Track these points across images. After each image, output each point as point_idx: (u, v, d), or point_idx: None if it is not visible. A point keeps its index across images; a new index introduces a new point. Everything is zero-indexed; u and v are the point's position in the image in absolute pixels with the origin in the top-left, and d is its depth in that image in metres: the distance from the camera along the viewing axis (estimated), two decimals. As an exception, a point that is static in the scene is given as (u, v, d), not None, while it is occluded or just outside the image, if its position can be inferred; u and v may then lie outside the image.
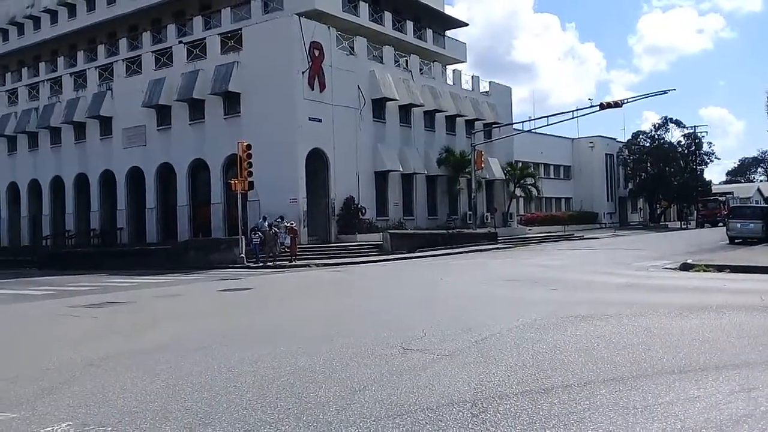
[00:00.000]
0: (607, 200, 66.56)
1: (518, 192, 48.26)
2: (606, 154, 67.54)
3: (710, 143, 76.35)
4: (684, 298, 11.43)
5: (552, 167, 63.91)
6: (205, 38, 35.25)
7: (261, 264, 26.42)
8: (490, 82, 48.10)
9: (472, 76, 46.52)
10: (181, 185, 35.21)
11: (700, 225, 60.95)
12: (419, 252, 30.19)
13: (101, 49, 42.64)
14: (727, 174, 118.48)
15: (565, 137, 65.45)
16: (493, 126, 44.61)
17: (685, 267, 17.67)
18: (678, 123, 67.65)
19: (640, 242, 34.99)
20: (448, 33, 49.62)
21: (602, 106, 35.43)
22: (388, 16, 41.75)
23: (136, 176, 37.23)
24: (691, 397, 5.12)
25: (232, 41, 33.50)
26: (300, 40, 31.37)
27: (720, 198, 67.63)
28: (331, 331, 9.18)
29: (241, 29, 33.77)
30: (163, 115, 35.77)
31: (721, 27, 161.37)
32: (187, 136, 34.80)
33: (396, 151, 37.14)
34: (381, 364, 6.70)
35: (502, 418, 4.74)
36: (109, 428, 4.86)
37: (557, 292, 13.24)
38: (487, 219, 42.80)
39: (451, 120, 42.50)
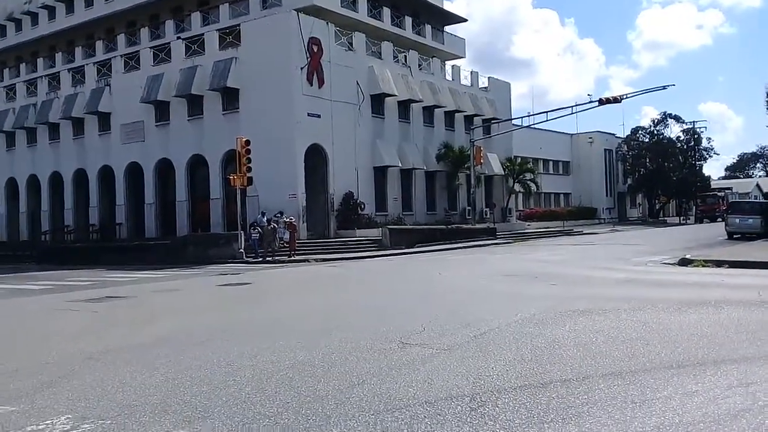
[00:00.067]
0: (606, 196, 66.60)
1: (517, 187, 48.28)
2: (605, 150, 67.55)
3: (709, 139, 76.39)
4: (682, 294, 11.45)
5: (551, 163, 63.91)
6: (203, 34, 35.17)
7: (260, 259, 26.42)
8: (489, 78, 48.08)
9: (471, 72, 46.53)
10: (180, 181, 35.18)
11: (698, 220, 60.98)
12: (418, 247, 30.20)
13: (99, 44, 42.53)
14: (726, 169, 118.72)
15: (564, 133, 65.49)
16: (492, 121, 44.62)
17: (684, 262, 17.68)
18: (677, 118, 67.72)
19: (639, 237, 35.01)
20: (447, 28, 49.52)
21: (601, 102, 35.43)
22: (386, 11, 41.67)
23: (134, 172, 37.19)
24: (690, 392, 5.14)
25: (230, 37, 33.42)
26: (298, 35, 31.30)
27: (719, 193, 67.62)
28: (330, 325, 9.20)
29: (239, 25, 33.68)
30: (162, 111, 35.71)
31: (721, 23, 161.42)
32: (186, 131, 34.76)
33: (395, 146, 37.11)
34: (380, 359, 6.72)
35: (501, 412, 4.75)
36: (109, 421, 4.86)
37: (556, 287, 13.26)
38: (486, 214, 42.80)
39: (450, 116, 42.47)
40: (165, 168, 35.97)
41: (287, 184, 30.64)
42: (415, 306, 11.20)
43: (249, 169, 26.70)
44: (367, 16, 40.17)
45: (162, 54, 36.03)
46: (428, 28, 45.72)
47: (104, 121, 38.26)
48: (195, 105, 34.42)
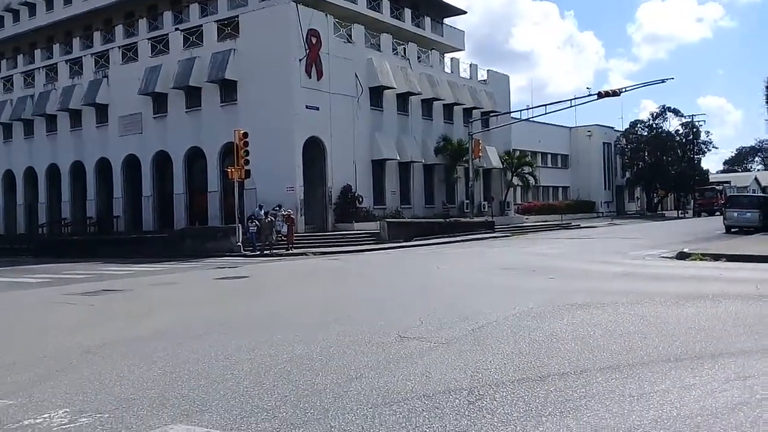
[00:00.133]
0: (605, 189, 66.62)
1: (516, 181, 48.26)
2: (604, 143, 67.55)
3: (708, 132, 76.20)
4: (680, 287, 11.46)
5: (549, 156, 63.91)
6: (201, 25, 35.02)
7: (258, 252, 26.42)
8: (488, 71, 47.98)
9: (470, 65, 46.43)
10: (178, 173, 35.12)
11: (697, 214, 61.05)
12: (416, 240, 30.21)
13: (97, 35, 42.34)
14: (725, 163, 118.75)
15: (562, 126, 65.45)
16: (491, 114, 44.57)
17: (682, 256, 17.70)
18: (676, 112, 67.64)
19: (637, 231, 35.05)
20: (447, 21, 49.41)
21: (600, 95, 35.37)
22: (386, 3, 41.55)
23: (132, 164, 37.12)
24: (687, 385, 5.14)
25: (228, 28, 33.28)
26: (297, 27, 31.18)
27: (717, 187, 67.64)
28: (328, 318, 9.19)
29: (237, 16, 33.53)
30: (160, 103, 35.61)
31: (721, 16, 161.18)
32: (184, 123, 34.67)
33: (393, 139, 37.05)
34: (378, 352, 6.72)
35: (499, 405, 4.76)
36: (106, 415, 4.86)
37: (554, 280, 13.27)
38: (484, 208, 42.82)
39: (448, 108, 42.40)
40: (163, 160, 35.90)
41: (285, 176, 30.59)
42: (413, 299, 11.20)
43: (247, 162, 26.63)
44: (366, 8, 40.07)
45: (160, 45, 35.91)
46: (427, 20, 45.59)
47: (102, 113, 38.17)
48: (193, 97, 34.32)
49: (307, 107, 31.49)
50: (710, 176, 78.63)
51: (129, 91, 35.75)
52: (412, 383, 5.44)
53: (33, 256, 31.39)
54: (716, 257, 16.74)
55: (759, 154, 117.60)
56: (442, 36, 47.31)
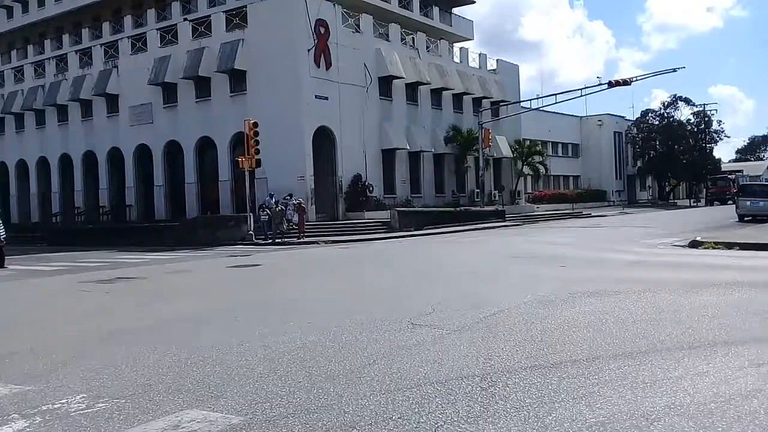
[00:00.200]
0: (616, 178, 66.25)
1: (526, 170, 48.09)
2: (614, 132, 67.10)
3: (720, 121, 75.75)
4: (693, 275, 11.43)
5: (560, 145, 63.57)
6: (210, 15, 34.99)
7: (269, 241, 26.51)
8: (497, 60, 47.73)
9: (480, 54, 46.23)
10: (189, 163, 35.25)
11: (709, 203, 60.64)
12: (427, 229, 30.21)
13: (106, 26, 42.37)
14: (737, 152, 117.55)
15: (573, 115, 65.05)
16: (501, 104, 44.38)
17: (694, 244, 17.62)
18: (687, 101, 67.05)
19: (649, 220, 34.86)
20: (455, 10, 49.11)
21: (611, 84, 35.09)
22: (394, -8, 41.32)
23: (143, 154, 37.28)
24: (700, 372, 5.14)
25: (237, 18, 33.24)
26: (305, 17, 31.12)
27: (729, 176, 67.10)
28: (340, 306, 9.24)
29: (245, 6, 33.42)
30: (169, 93, 35.69)
31: (732, 5, 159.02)
32: (194, 113, 34.75)
33: (403, 129, 36.99)
34: (390, 339, 6.75)
35: (511, 392, 4.77)
36: (123, 400, 4.92)
37: (566, 268, 13.25)
38: (494, 197, 42.74)
39: (458, 98, 42.25)
40: (174, 150, 36.02)
41: (295, 166, 30.64)
42: (425, 287, 11.22)
43: (257, 152, 26.70)
44: (375, -3, 39.83)
45: (169, 36, 35.94)
46: (436, 9, 45.33)
47: (112, 103, 38.30)
48: (202, 87, 34.37)
49: (316, 97, 31.48)
50: (722, 165, 78.04)
51: (139, 81, 35.84)
52: (425, 370, 5.47)
53: (47, 244, 31.64)
54: (729, 246, 16.65)
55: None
56: (451, 25, 47.04)
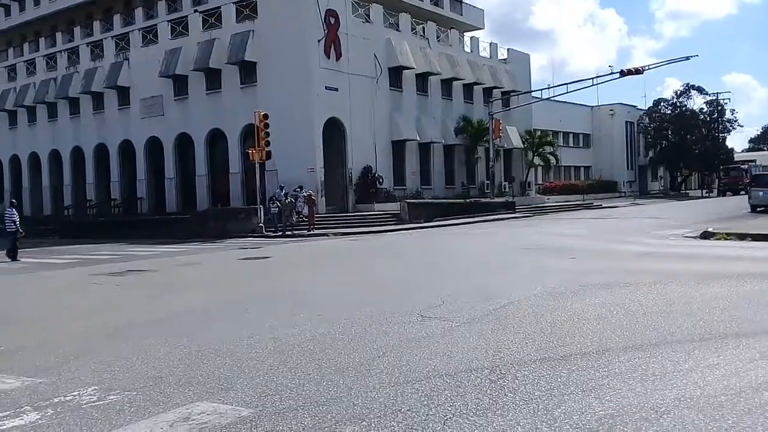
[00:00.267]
0: (627, 169, 65.71)
1: (536, 161, 47.81)
2: (626, 122, 66.59)
3: (733, 110, 74.84)
4: (704, 267, 11.35)
5: (571, 135, 63.18)
6: (220, 7, 34.92)
7: (280, 233, 26.59)
8: (508, 50, 47.42)
9: (490, 44, 45.91)
10: (200, 155, 35.35)
11: (721, 193, 60.09)
12: (437, 221, 30.17)
13: (117, 18, 42.45)
14: (750, 141, 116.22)
15: (584, 105, 64.60)
16: (512, 94, 44.13)
17: (706, 235, 17.48)
18: (700, 90, 66.31)
19: (661, 211, 34.64)
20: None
21: (623, 73, 34.80)
22: (404, -18, 41.05)
23: (155, 146, 37.42)
24: (711, 365, 5.11)
25: (247, 9, 33.19)
26: (315, 7, 31.02)
27: (742, 166, 66.34)
28: (350, 298, 9.26)
29: (256, -3, 33.44)
30: (180, 85, 35.76)
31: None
32: (204, 105, 34.81)
33: (413, 120, 36.88)
34: (400, 331, 6.76)
35: (521, 384, 4.77)
36: (134, 392, 4.96)
37: (576, 260, 13.20)
38: (505, 188, 42.58)
39: (468, 88, 42.04)
40: (184, 142, 36.13)
41: (306, 158, 30.65)
42: (434, 279, 11.23)
43: (267, 144, 26.73)
44: (384, -13, 39.62)
45: (179, 27, 35.97)
46: (446, -1, 45.03)
47: (124, 95, 38.45)
48: (213, 79, 34.40)
49: (326, 88, 31.42)
50: (735, 155, 77.20)
51: (150, 73, 35.93)
52: (434, 362, 5.48)
53: (59, 237, 31.90)
54: (741, 237, 16.51)
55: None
56: (461, 15, 46.73)
